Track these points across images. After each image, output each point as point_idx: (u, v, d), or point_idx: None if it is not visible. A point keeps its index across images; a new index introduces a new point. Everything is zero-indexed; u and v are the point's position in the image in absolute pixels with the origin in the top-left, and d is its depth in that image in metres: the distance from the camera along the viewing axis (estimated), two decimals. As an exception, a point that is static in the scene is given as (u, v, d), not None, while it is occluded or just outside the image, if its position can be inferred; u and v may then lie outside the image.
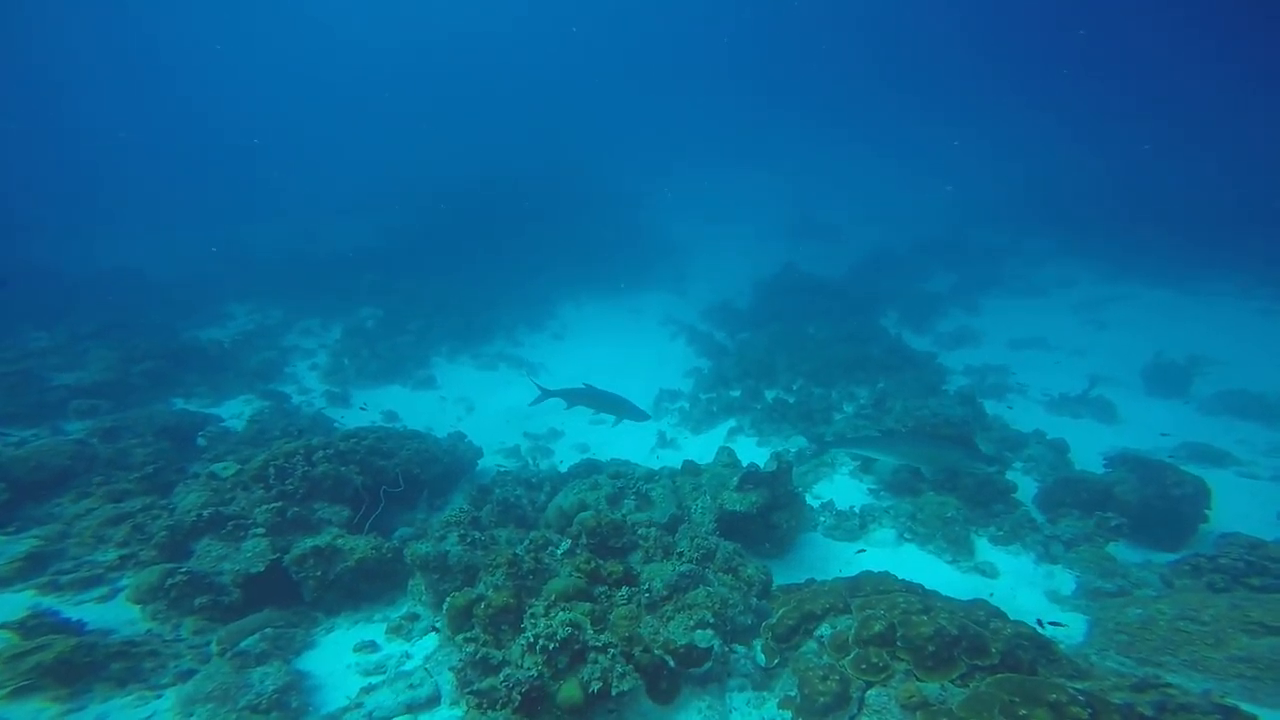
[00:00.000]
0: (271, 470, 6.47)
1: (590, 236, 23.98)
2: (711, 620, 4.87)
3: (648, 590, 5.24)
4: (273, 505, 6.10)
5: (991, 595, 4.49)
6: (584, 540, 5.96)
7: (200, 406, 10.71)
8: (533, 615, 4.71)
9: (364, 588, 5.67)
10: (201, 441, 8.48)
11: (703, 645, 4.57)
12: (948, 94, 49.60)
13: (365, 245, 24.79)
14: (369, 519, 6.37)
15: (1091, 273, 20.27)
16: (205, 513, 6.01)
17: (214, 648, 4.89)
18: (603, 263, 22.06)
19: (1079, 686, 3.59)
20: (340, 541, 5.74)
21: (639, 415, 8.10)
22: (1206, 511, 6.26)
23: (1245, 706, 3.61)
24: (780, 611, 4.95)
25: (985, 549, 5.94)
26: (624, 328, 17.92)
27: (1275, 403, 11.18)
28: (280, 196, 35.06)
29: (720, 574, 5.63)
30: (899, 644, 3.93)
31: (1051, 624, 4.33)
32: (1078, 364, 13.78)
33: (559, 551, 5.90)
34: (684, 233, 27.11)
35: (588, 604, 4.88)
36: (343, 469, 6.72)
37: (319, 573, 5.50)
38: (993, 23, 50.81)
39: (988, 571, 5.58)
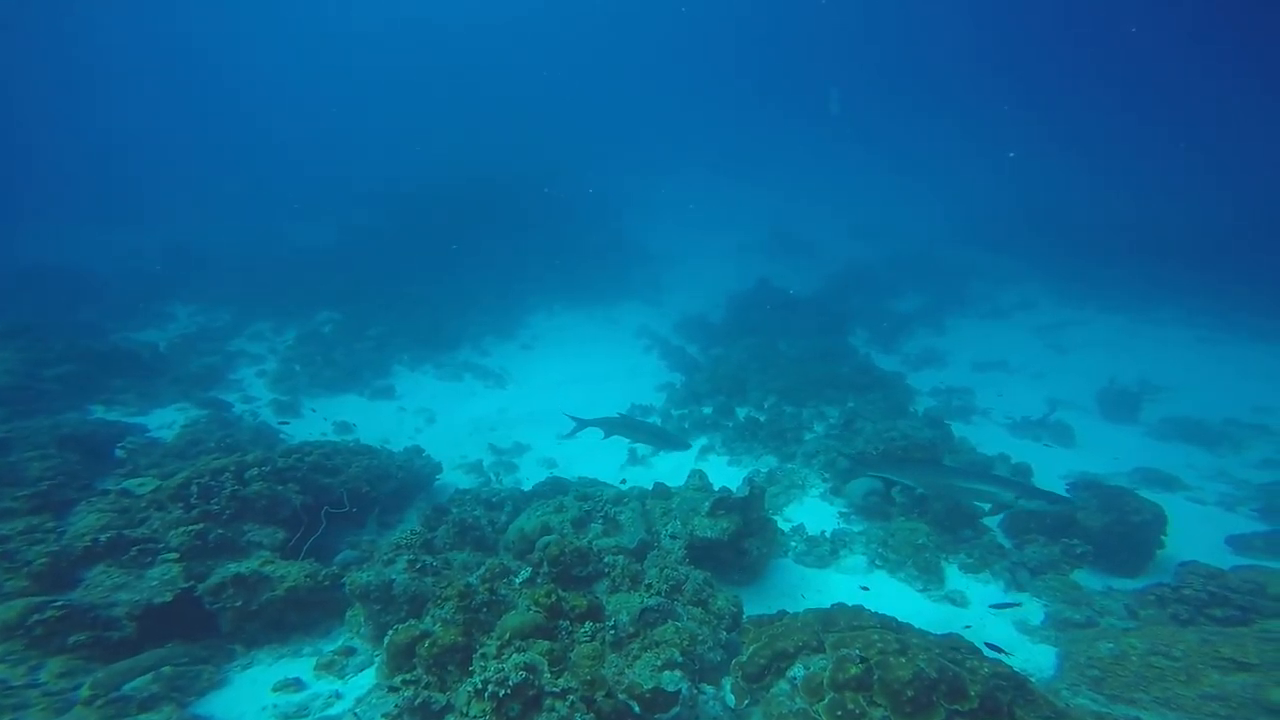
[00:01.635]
0: (194, 488, 5.95)
1: (566, 244, 23.65)
2: (680, 659, 4.61)
3: (613, 626, 4.96)
4: (192, 528, 5.58)
5: (968, 628, 4.37)
6: (545, 569, 5.65)
7: (124, 416, 9.86)
8: (483, 655, 4.36)
9: (294, 618, 5.20)
10: (120, 454, 7.77)
11: (670, 689, 4.30)
12: (925, 114, 51.42)
13: (327, 247, 23.93)
14: (307, 542, 5.90)
15: (1052, 297, 21.08)
16: (104, 536, 5.39)
17: (84, 692, 4.26)
18: (578, 271, 21.74)
19: (1057, 733, 3.48)
20: (269, 568, 5.27)
21: (679, 445, 7.90)
22: (1163, 538, 6.37)
23: None
24: (751, 649, 4.74)
25: (955, 576, 5.88)
26: (597, 338, 17.62)
27: (1216, 429, 11.70)
28: (239, 194, 33.65)
29: (690, 607, 5.40)
30: (876, 688, 3.77)
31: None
32: (1038, 387, 14.18)
33: (518, 581, 5.56)
34: (662, 243, 27.07)
35: (546, 642, 4.56)
36: (280, 488, 6.24)
37: (239, 602, 5.02)
38: (967, 51, 53.13)
39: (958, 600, 5.52)
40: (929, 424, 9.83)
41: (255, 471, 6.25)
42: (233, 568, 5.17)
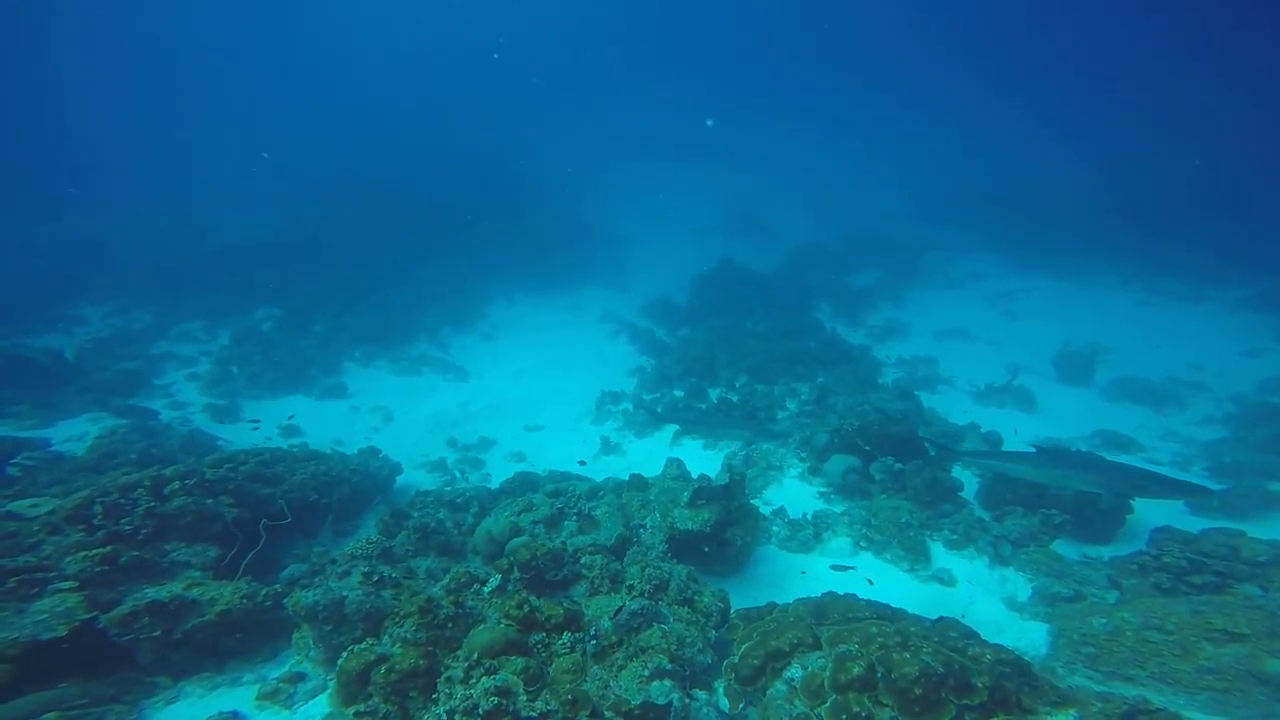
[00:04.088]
0: (99, 507, 5.25)
1: (526, 230, 22.85)
2: (668, 666, 4.31)
3: (594, 635, 4.61)
4: (97, 551, 4.90)
5: (963, 616, 4.24)
6: (516, 575, 5.23)
7: (18, 430, 8.85)
8: (449, 679, 3.94)
9: (231, 642, 4.65)
10: (14, 471, 6.88)
11: (660, 701, 4.00)
12: (877, 97, 51.96)
13: (265, 240, 22.24)
14: (245, 559, 5.31)
15: (1000, 266, 21.68)
16: (-29, 569, 4.66)
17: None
18: (538, 257, 21.08)
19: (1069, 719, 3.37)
20: (196, 591, 4.68)
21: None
22: (1131, 503, 6.49)
23: (1205, 718, 3.56)
24: (743, 648, 4.49)
25: (941, 554, 5.82)
26: (562, 326, 17.11)
27: (1161, 388, 12.24)
28: (160, 183, 30.86)
29: (675, 606, 5.11)
30: (881, 687, 3.56)
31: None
32: (996, 354, 14.54)
33: (486, 590, 5.12)
34: (624, 227, 26.58)
35: (520, 659, 4.16)
36: (209, 502, 5.59)
37: (158, 632, 4.44)
38: (919, 33, 53.70)
39: (945, 580, 5.44)
40: (899, 395, 9.84)
41: (177, 485, 5.58)
42: (150, 593, 4.55)
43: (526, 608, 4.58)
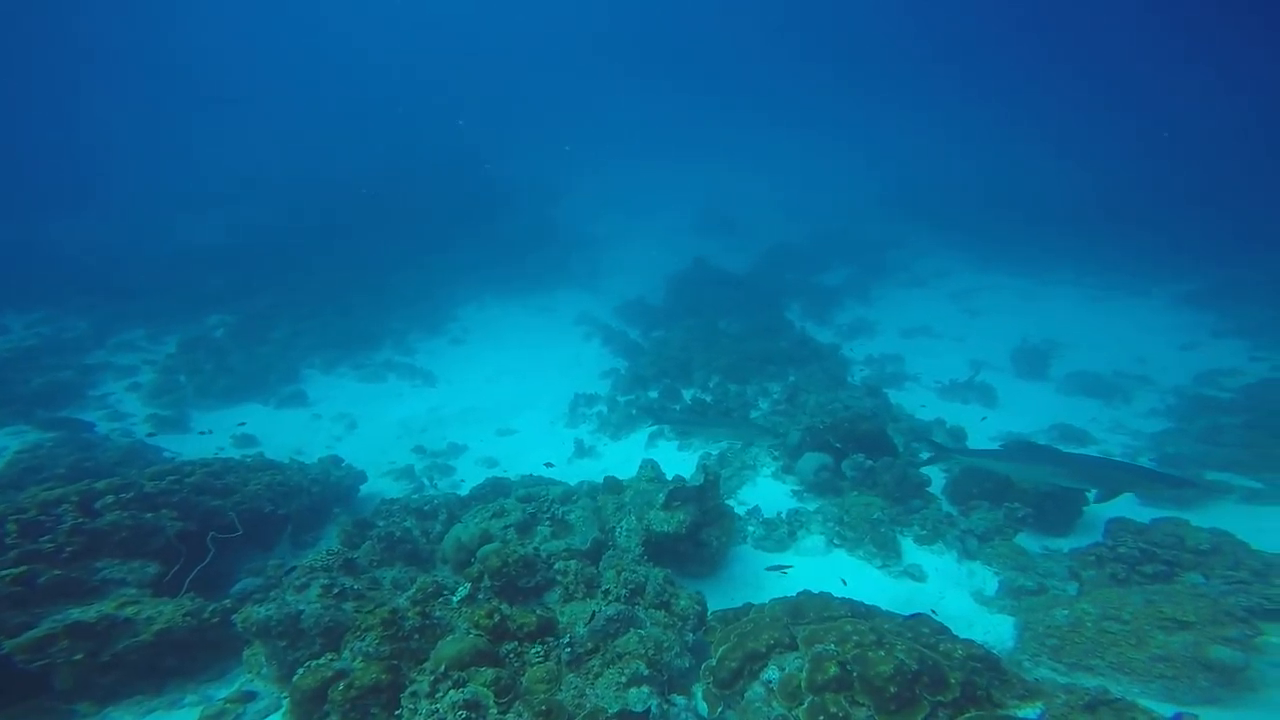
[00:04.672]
0: (11, 526, 4.93)
1: (498, 233, 22.61)
2: (646, 672, 4.27)
3: (569, 642, 4.54)
4: (6, 572, 4.61)
5: (934, 612, 4.33)
6: (487, 583, 5.10)
7: None
8: (414, 694, 3.81)
9: (171, 662, 4.41)
10: None
11: (638, 708, 3.95)
12: (848, 96, 52.98)
13: (218, 244, 21.41)
14: (190, 574, 5.06)
15: (963, 263, 22.40)
16: None
17: None
18: (510, 259, 20.93)
19: (1034, 713, 3.46)
20: (129, 610, 4.41)
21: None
22: (1088, 495, 6.75)
23: (1163, 707, 3.72)
24: (720, 650, 4.48)
25: (911, 550, 5.94)
26: (533, 328, 16.98)
27: (1110, 382, 12.84)
28: (102, 186, 29.20)
29: (652, 610, 5.07)
30: (857, 686, 3.60)
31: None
32: (960, 350, 15.00)
33: (455, 599, 5.00)
34: (597, 228, 26.56)
35: (491, 670, 4.06)
36: (148, 516, 5.31)
37: (80, 655, 4.17)
38: (891, 34, 54.92)
39: (916, 575, 5.56)
40: (868, 393, 10.04)
41: (111, 499, 5.28)
42: (74, 614, 4.26)
43: (497, 616, 4.48)
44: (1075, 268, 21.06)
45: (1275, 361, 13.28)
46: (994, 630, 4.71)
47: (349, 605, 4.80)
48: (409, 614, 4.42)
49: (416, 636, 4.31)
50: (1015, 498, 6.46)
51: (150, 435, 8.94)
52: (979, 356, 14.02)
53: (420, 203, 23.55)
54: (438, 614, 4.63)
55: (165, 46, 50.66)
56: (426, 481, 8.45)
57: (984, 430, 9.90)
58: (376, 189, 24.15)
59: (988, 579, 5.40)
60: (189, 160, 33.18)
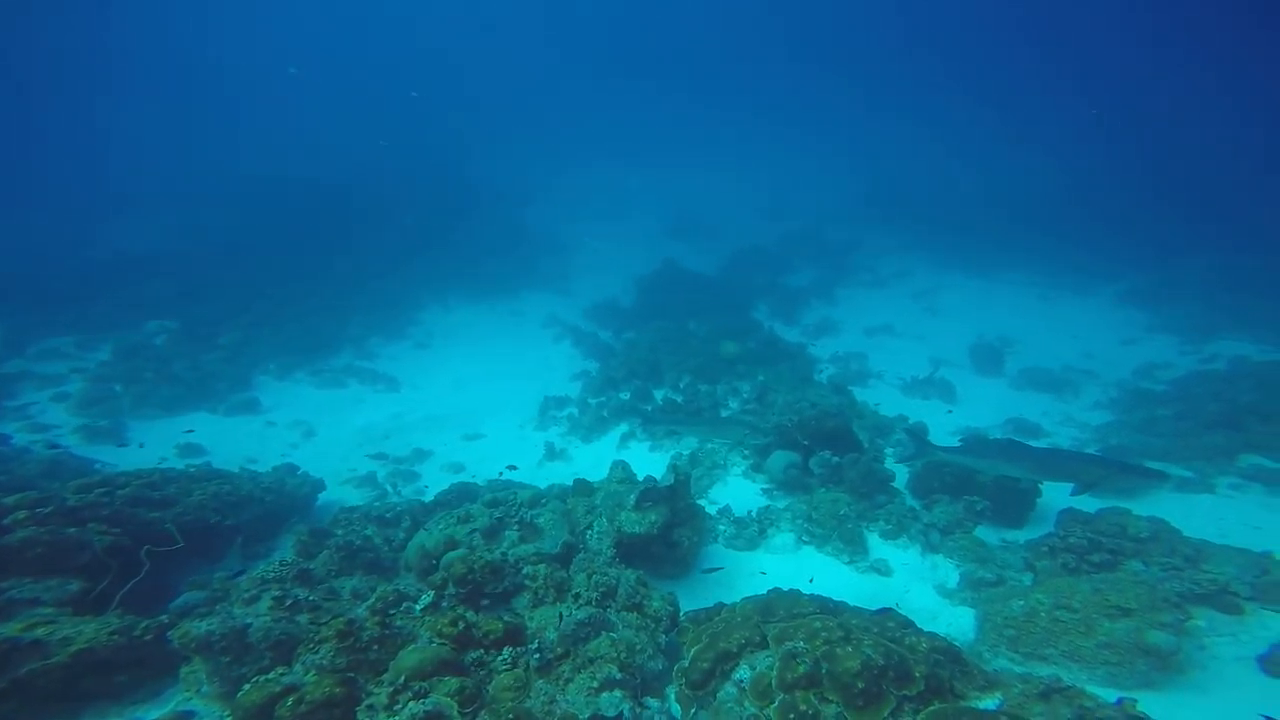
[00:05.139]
0: None
1: (464, 235, 22.17)
2: (618, 675, 4.24)
3: (538, 648, 4.47)
4: None
5: (898, 605, 4.43)
6: (451, 590, 5.00)
7: None
8: (371, 707, 3.68)
9: (91, 683, 4.12)
10: None
11: (610, 714, 3.91)
12: (808, 100, 53.99)
13: (158, 249, 20.33)
14: (120, 590, 4.78)
15: (923, 264, 23.12)
16: None
17: None
18: (476, 262, 20.57)
19: (994, 703, 3.58)
20: (40, 631, 4.11)
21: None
22: (1040, 487, 7.05)
23: (1107, 692, 3.90)
24: (693, 651, 4.48)
25: (877, 545, 6.08)
26: (502, 331, 16.81)
27: (1059, 377, 13.47)
28: (24, 182, 27.32)
29: (624, 613, 5.03)
30: (826, 682, 3.64)
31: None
32: (920, 348, 15.48)
33: (418, 607, 4.87)
34: (567, 231, 26.37)
35: (455, 679, 3.95)
36: (70, 531, 5.00)
37: None
38: (845, 34, 56.13)
39: (883, 569, 5.69)
40: (834, 391, 10.24)
41: (24, 515, 4.94)
42: None
43: (462, 624, 4.38)
44: (1026, 267, 22.00)
45: (1201, 355, 14.18)
46: (956, 622, 4.87)
47: (303, 617, 4.61)
48: (368, 624, 4.28)
49: (376, 647, 4.16)
50: (974, 491, 6.69)
51: (55, 447, 8.34)
52: (939, 354, 14.51)
53: (383, 204, 22.92)
54: (399, 623, 4.51)
55: (103, 35, 47.76)
56: (390, 489, 8.21)
57: (947, 425, 10.23)
58: (338, 189, 23.38)
59: (950, 572, 5.58)
60: (130, 159, 31.32)
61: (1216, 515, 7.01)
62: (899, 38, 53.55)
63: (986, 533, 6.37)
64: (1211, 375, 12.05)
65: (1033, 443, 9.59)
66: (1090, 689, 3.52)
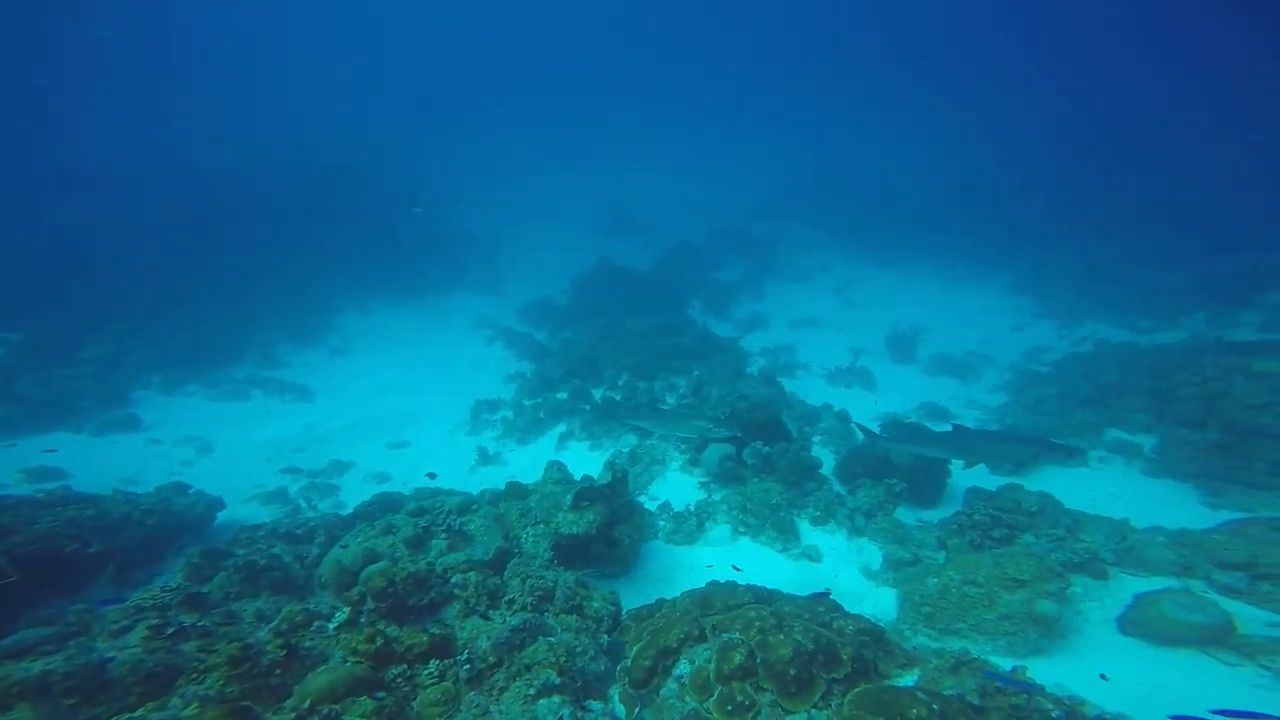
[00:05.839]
0: None
1: (383, 236, 20.84)
2: (557, 680, 4.16)
3: (468, 659, 4.31)
4: None
5: (830, 592, 4.62)
6: (370, 605, 4.71)
7: None
8: None
9: None
10: None
11: (549, 722, 3.84)
12: (741, 97, 55.21)
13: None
14: None
15: (841, 258, 24.38)
16: None
17: None
18: (398, 263, 19.44)
19: (912, 679, 3.82)
20: None
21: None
22: (950, 467, 7.62)
23: (1007, 661, 4.28)
24: (635, 650, 4.47)
25: (808, 531, 6.33)
26: (428, 334, 16.11)
27: (962, 362, 14.65)
28: None
29: (563, 615, 4.95)
30: (760, 672, 3.74)
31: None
32: (842, 339, 16.33)
33: (331, 626, 4.56)
34: (498, 233, 25.56)
35: (370, 700, 3.73)
36: None
37: None
38: (773, 33, 57.80)
39: (813, 555, 5.94)
40: (764, 382, 10.58)
41: None
42: None
43: (380, 640, 4.16)
44: (931, 260, 23.69)
45: (1073, 338, 15.90)
46: (880, 603, 5.16)
47: (190, 645, 4.19)
48: (269, 647, 3.95)
49: (278, 672, 3.86)
50: (892, 473, 7.12)
51: None
52: (858, 343, 15.37)
53: (289, 202, 21.12)
54: (309, 644, 4.20)
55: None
56: (304, 503, 7.61)
57: (870, 412, 10.82)
58: (237, 186, 21.31)
59: (874, 554, 5.90)
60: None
61: (1089, 486, 7.79)
62: (826, 40, 56.02)
63: (905, 514, 6.80)
64: (1081, 357, 13.42)
65: (942, 425, 10.42)
66: (994, 659, 3.83)
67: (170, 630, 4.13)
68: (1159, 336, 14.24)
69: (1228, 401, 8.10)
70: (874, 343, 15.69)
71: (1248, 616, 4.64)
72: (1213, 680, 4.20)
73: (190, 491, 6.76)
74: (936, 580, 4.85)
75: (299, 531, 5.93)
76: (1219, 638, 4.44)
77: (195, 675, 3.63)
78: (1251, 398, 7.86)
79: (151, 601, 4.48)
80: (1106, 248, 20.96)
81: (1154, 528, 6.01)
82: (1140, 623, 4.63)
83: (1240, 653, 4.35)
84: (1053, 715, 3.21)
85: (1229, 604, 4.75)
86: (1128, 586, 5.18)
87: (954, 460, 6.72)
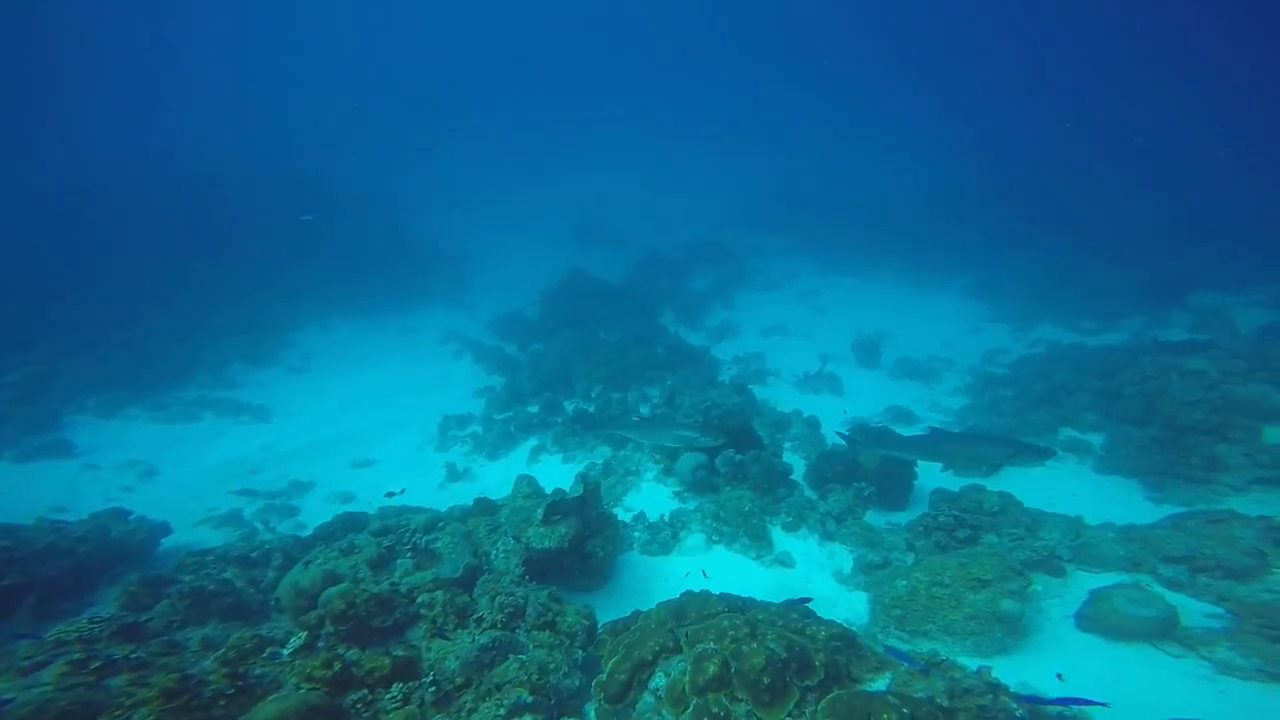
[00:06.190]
0: None
1: (344, 249, 20.32)
2: (529, 699, 4.06)
3: (433, 680, 4.18)
4: None
5: (811, 601, 4.62)
6: (329, 628, 4.53)
7: None
8: None
9: None
10: None
11: (520, 746, 3.73)
12: (712, 107, 56.05)
13: None
14: None
15: (808, 266, 24.90)
16: None
17: None
18: (361, 278, 18.95)
19: (884, 683, 3.85)
20: None
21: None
22: (916, 469, 7.79)
23: (972, 660, 4.36)
24: (610, 664, 4.39)
25: (780, 538, 6.37)
26: (393, 350, 15.75)
27: (925, 365, 15.09)
28: None
29: (535, 632, 4.84)
30: (735, 682, 3.72)
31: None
32: (810, 346, 16.62)
33: (286, 651, 4.36)
34: (466, 246, 25.34)
35: (328, 730, 3.58)
36: None
37: None
38: (742, 42, 58.94)
39: (787, 561, 5.97)
40: (735, 390, 10.66)
41: None
42: None
43: (338, 665, 3.99)
44: (893, 267, 24.38)
45: (1027, 341, 16.56)
46: (852, 607, 5.21)
47: (119, 680, 3.92)
48: (212, 677, 3.73)
49: (223, 704, 3.64)
50: (861, 477, 7.24)
51: None
52: (826, 350, 15.68)
53: (240, 216, 20.45)
54: (258, 672, 3.99)
55: None
56: (260, 526, 7.26)
57: (838, 417, 11.00)
58: (195, 201, 20.51)
59: (845, 558, 5.97)
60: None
61: (1046, 485, 8.05)
62: (793, 48, 57.40)
63: (875, 517, 6.90)
64: (1035, 358, 13.98)
65: (908, 429, 10.69)
66: (961, 659, 3.90)
67: (96, 664, 3.85)
68: (1103, 338, 14.95)
69: (1165, 399, 8.52)
70: (841, 349, 16.03)
71: (1189, 609, 4.87)
72: (1162, 674, 4.36)
73: (130, 518, 6.39)
74: (905, 582, 4.93)
75: (253, 555, 5.67)
76: (1165, 630, 4.63)
77: (119, 712, 3.36)
78: (1185, 395, 8.29)
79: (76, 634, 4.18)
80: (1060, 250, 21.96)
81: (1105, 524, 6.25)
82: (1095, 618, 4.79)
83: (1183, 644, 4.54)
84: (1016, 715, 3.28)
85: (1173, 597, 4.96)
86: (1084, 583, 5.35)
87: (931, 463, 6.87)
